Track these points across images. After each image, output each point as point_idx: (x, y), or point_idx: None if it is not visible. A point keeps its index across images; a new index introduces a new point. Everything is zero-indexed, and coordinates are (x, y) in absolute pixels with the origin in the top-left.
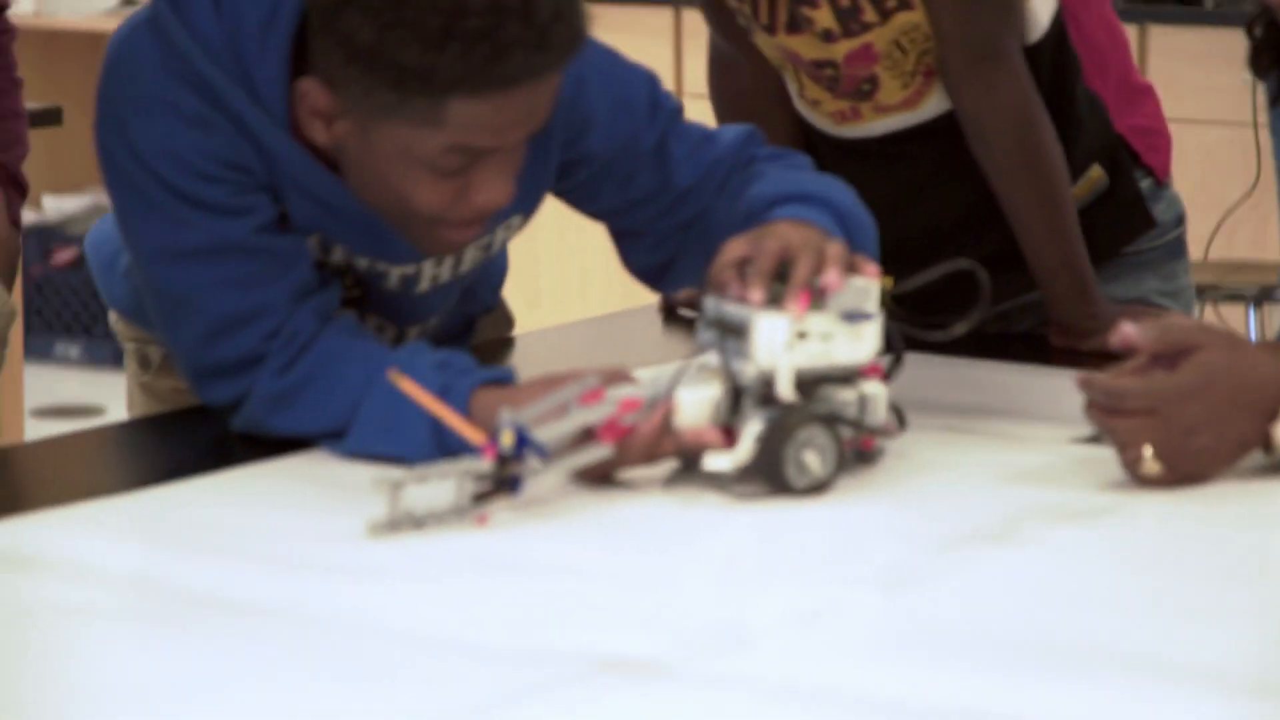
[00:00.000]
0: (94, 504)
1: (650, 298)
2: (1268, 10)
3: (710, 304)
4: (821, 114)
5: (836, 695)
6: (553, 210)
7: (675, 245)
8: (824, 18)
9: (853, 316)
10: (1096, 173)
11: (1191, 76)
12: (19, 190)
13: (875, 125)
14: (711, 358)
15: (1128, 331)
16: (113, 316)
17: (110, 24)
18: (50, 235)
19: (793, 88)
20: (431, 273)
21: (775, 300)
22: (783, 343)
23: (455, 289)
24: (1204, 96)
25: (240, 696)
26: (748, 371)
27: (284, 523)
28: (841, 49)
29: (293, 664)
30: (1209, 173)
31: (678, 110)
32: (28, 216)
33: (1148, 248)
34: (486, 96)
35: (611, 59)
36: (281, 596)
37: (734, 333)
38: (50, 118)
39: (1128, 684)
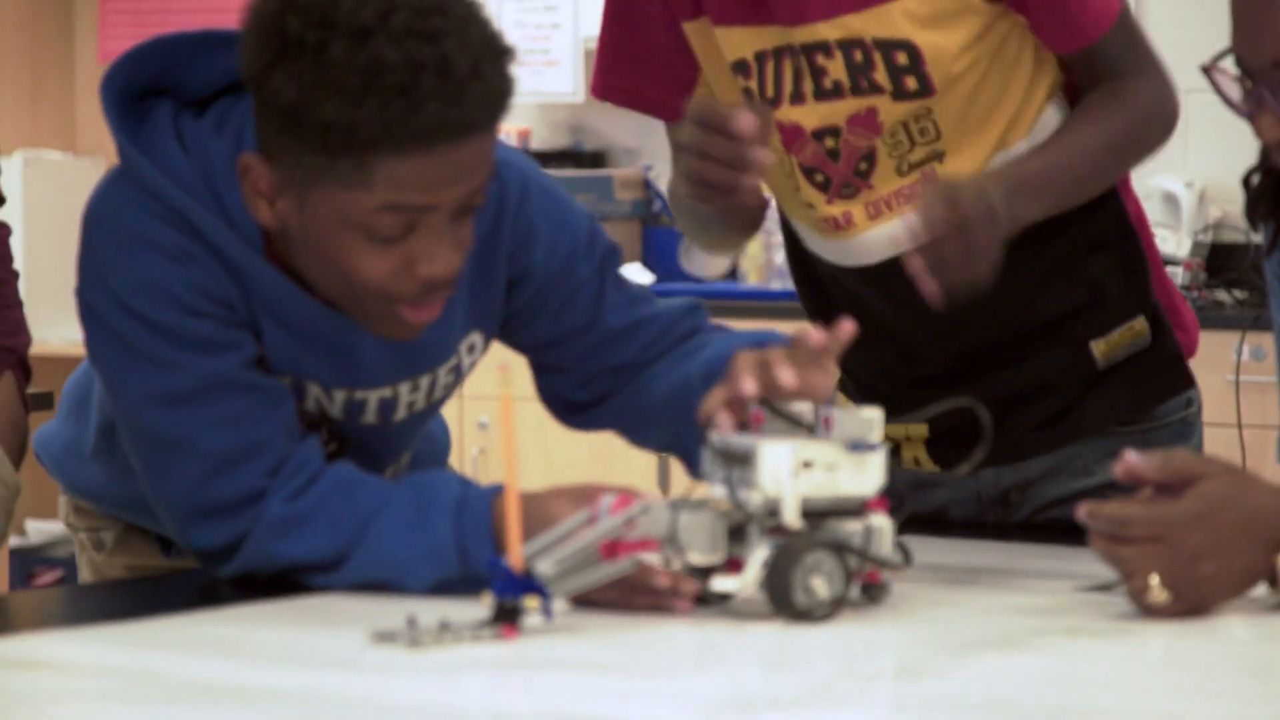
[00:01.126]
0: (86, 628)
1: None
2: (1266, 160)
3: (714, 438)
4: (812, 221)
5: None
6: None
7: (601, 389)
8: (836, 68)
9: (857, 446)
10: (1140, 324)
11: None
12: (26, 374)
13: (868, 237)
14: (716, 489)
15: (1132, 461)
16: (66, 509)
17: None
18: (32, 558)
19: (787, 202)
20: (408, 398)
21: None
22: (789, 470)
23: (426, 419)
24: None
25: None
26: (754, 500)
27: (284, 636)
28: (845, 108)
29: None
30: None
31: (614, 249)
32: (11, 540)
33: (1150, 427)
34: (409, 152)
35: (555, 186)
36: (284, 683)
37: (739, 462)
38: (41, 402)
39: None
